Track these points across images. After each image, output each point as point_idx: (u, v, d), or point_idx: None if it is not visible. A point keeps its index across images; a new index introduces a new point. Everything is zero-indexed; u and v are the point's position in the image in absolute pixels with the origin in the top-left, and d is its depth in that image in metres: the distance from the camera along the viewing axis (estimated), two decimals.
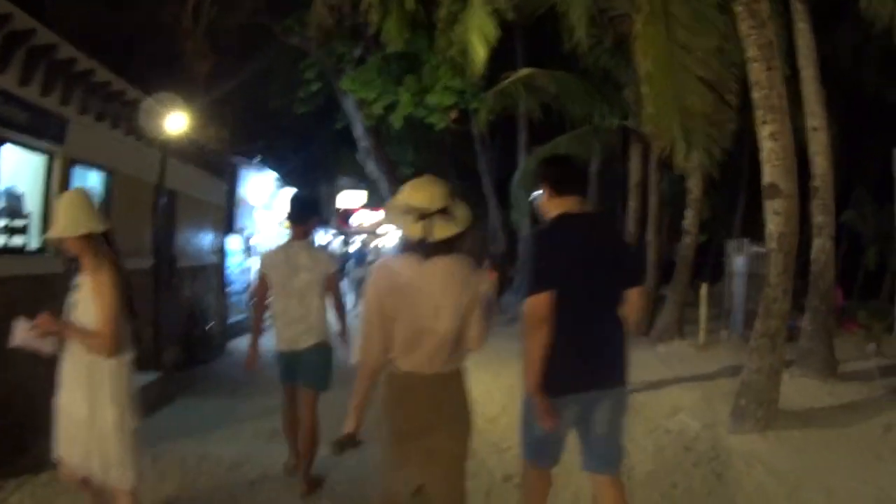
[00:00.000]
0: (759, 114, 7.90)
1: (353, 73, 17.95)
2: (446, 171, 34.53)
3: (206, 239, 14.02)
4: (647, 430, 8.12)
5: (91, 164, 9.16)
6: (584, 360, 4.02)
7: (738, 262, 15.86)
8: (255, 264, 18.79)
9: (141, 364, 9.31)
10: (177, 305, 12.23)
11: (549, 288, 3.88)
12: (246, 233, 18.87)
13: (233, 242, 16.50)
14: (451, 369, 3.81)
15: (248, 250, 18.73)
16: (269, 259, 6.24)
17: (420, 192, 3.73)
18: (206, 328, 13.08)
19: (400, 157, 27.99)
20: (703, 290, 15.14)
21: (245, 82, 22.61)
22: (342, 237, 38.88)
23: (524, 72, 15.91)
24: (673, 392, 10.24)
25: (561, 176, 4.25)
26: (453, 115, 19.00)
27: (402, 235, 3.84)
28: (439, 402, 3.79)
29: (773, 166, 7.84)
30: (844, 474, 6.51)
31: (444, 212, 3.69)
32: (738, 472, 6.72)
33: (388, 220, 3.87)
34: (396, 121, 18.63)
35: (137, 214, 10.39)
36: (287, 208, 6.06)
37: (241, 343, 15.02)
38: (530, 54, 19.65)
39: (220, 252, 14.87)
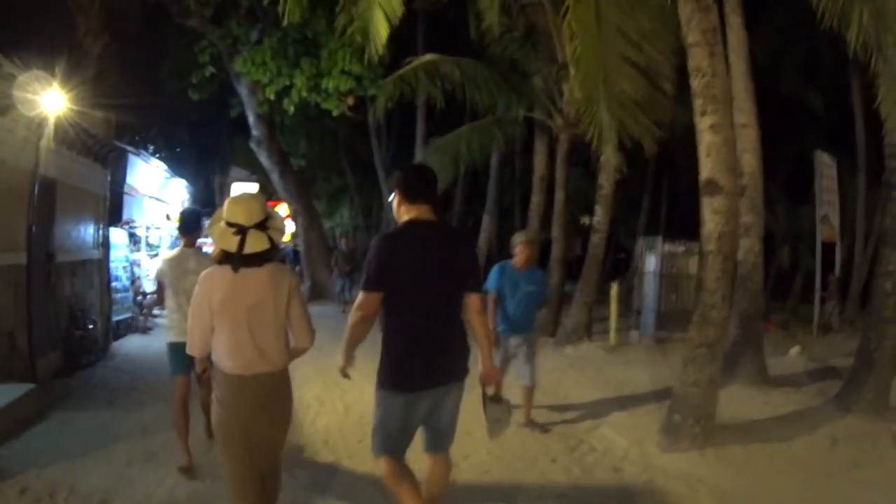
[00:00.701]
0: (698, 103, 7.39)
1: (246, 54, 16.93)
2: (340, 163, 34.22)
3: (89, 232, 12.91)
4: (568, 448, 7.68)
5: None
6: (430, 358, 4.48)
7: (649, 260, 15.49)
8: (143, 259, 17.82)
9: (13, 375, 8.45)
10: (55, 305, 11.17)
11: (378, 289, 4.41)
12: (133, 225, 17.75)
13: (117, 235, 15.35)
14: (275, 369, 4.24)
15: (136, 243, 17.63)
16: (164, 265, 6.94)
17: (238, 208, 4.18)
18: (89, 329, 11.97)
19: (293, 149, 27.13)
20: (614, 289, 14.79)
21: (138, 66, 21.54)
22: None
23: (427, 58, 15.34)
24: (589, 400, 9.86)
25: (412, 185, 4.63)
26: (350, 101, 18.27)
27: (223, 246, 4.19)
28: (263, 402, 4.21)
29: (712, 161, 7.33)
30: (797, 496, 6.13)
31: (260, 226, 4.16)
32: (680, 497, 6.23)
33: (211, 233, 4.27)
34: (289, 105, 17.75)
35: (9, 205, 9.33)
36: (179, 221, 6.97)
37: (127, 343, 14.04)
38: (432, 41, 18.97)
39: (104, 246, 13.74)
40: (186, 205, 27.05)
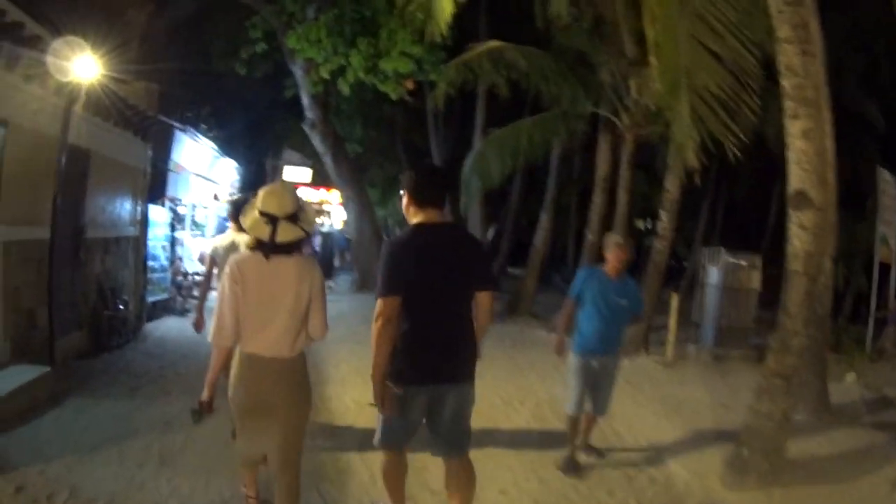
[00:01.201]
0: (789, 106, 6.56)
1: (300, 31, 16.14)
2: (396, 151, 33.48)
3: (125, 207, 12.41)
4: (626, 477, 6.95)
5: None
6: (430, 356, 4.55)
7: (712, 272, 14.58)
8: (186, 238, 17.35)
9: (31, 354, 7.87)
10: (83, 283, 10.67)
11: (395, 293, 4.42)
12: (176, 203, 17.27)
13: (157, 213, 14.83)
14: (291, 354, 4.40)
15: (179, 222, 17.15)
16: (219, 248, 7.12)
17: (271, 199, 4.36)
18: (119, 309, 11.45)
19: (348, 134, 26.31)
20: (675, 301, 13.89)
21: (188, 42, 21.08)
22: None
23: (491, 44, 14.51)
24: (648, 423, 9.06)
25: (422, 190, 4.68)
26: (409, 85, 17.32)
27: (253, 234, 4.35)
28: (281, 384, 4.37)
29: (803, 170, 6.51)
30: None
31: (291, 218, 4.34)
32: None
33: (244, 221, 4.44)
34: (345, 86, 16.92)
35: (34, 175, 8.80)
36: (231, 208, 6.90)
37: (162, 325, 13.52)
38: (494, 29, 18.14)
39: (142, 223, 13.24)
40: (236, 185, 26.73)
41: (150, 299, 13.97)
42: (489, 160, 16.59)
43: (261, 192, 4.48)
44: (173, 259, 16.00)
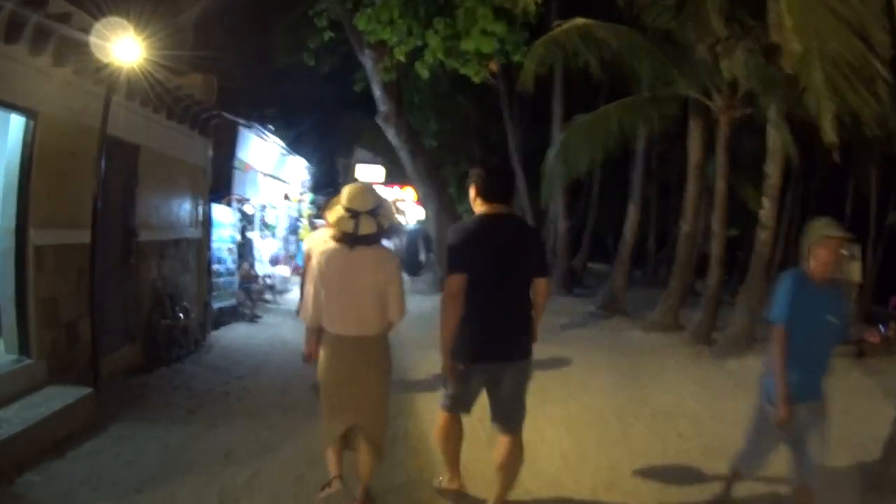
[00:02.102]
0: None
1: (370, 10, 14.92)
2: (469, 147, 32.43)
3: (184, 207, 11.46)
4: None
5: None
6: (490, 336, 4.96)
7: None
8: (255, 239, 16.48)
9: (74, 372, 6.90)
10: (135, 291, 9.74)
11: (461, 271, 4.89)
12: (243, 202, 16.40)
13: (222, 213, 13.89)
14: (373, 334, 5.05)
15: (248, 223, 16.28)
16: (314, 244, 7.18)
17: (354, 197, 5.00)
18: (179, 318, 10.50)
19: (422, 127, 25.18)
20: None
21: (251, 38, 20.28)
22: None
23: (579, 21, 13.20)
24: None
25: (490, 188, 5.10)
26: (493, 66, 15.92)
27: (338, 228, 4.98)
28: (361, 360, 5.03)
29: None
30: None
31: (371, 213, 4.97)
32: None
33: (330, 216, 5.14)
34: (423, 69, 15.62)
35: (70, 172, 7.84)
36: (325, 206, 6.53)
37: (229, 333, 12.59)
38: (569, 7, 16.74)
39: (204, 224, 12.30)
40: (307, 185, 25.91)
41: (216, 305, 13.05)
42: (574, 148, 15.45)
43: (344, 191, 5.09)
44: (241, 262, 15.06)
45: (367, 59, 18.18)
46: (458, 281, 4.89)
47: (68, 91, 7.63)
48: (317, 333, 5.33)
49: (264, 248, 19.17)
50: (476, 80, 15.59)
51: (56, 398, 6.85)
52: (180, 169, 11.27)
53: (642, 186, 19.52)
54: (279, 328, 13.58)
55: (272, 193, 21.31)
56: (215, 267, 13.19)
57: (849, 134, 11.47)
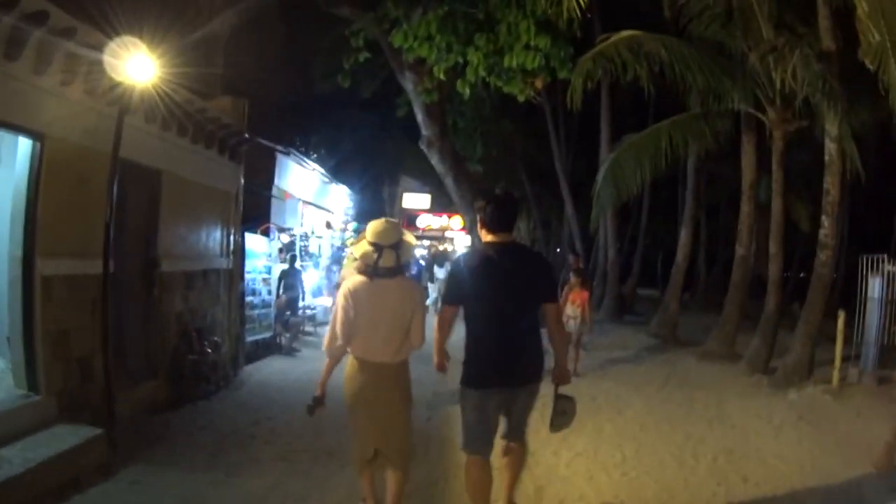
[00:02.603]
0: None
1: (407, 27, 14.24)
2: (517, 172, 31.92)
3: (213, 236, 10.96)
4: None
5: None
6: (502, 362, 5.15)
7: (873, 284, 12.25)
8: (298, 269, 16.02)
9: (88, 410, 6.37)
10: (159, 324, 9.22)
11: (454, 303, 5.33)
12: (284, 232, 15.95)
13: (256, 242, 13.40)
14: (396, 360, 5.33)
15: (288, 253, 15.80)
16: (348, 271, 7.15)
17: (377, 232, 5.29)
18: (207, 352, 9.97)
19: (467, 152, 24.53)
20: (841, 319, 11.70)
21: (288, 63, 19.94)
22: None
23: (626, 33, 12.54)
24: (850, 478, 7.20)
25: (494, 217, 5.31)
26: (538, 83, 15.11)
27: (362, 260, 5.29)
28: (383, 385, 5.28)
29: None
30: None
31: (393, 247, 5.26)
32: None
33: (356, 249, 5.44)
34: (465, 88, 14.90)
35: (87, 199, 7.34)
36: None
37: (264, 368, 12.04)
38: (610, 23, 16.06)
39: (236, 253, 11.78)
40: (351, 213, 25.48)
41: (250, 339, 12.52)
42: (624, 168, 14.78)
43: (370, 226, 5.38)
44: (279, 293, 14.51)
45: (407, 82, 17.65)
46: (449, 312, 5.38)
47: (79, 112, 7.18)
48: (332, 369, 5.52)
49: (305, 278, 18.72)
50: (520, 98, 14.84)
51: (64, 438, 6.33)
52: (208, 196, 10.79)
53: (694, 208, 18.74)
54: (317, 362, 12.89)
55: (314, 222, 20.90)
56: (249, 298, 12.68)
57: None
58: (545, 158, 28.88)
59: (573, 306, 12.31)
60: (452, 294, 5.40)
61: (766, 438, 8.66)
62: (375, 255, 5.21)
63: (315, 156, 22.71)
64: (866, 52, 9.74)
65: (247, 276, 12.59)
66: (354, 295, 5.24)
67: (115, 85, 7.15)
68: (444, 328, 5.41)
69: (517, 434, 5.53)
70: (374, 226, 5.37)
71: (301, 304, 16.59)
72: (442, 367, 5.56)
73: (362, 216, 30.03)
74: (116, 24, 7.40)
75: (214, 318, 10.81)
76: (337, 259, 21.36)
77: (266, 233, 14.28)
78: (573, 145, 28.15)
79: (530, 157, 31.62)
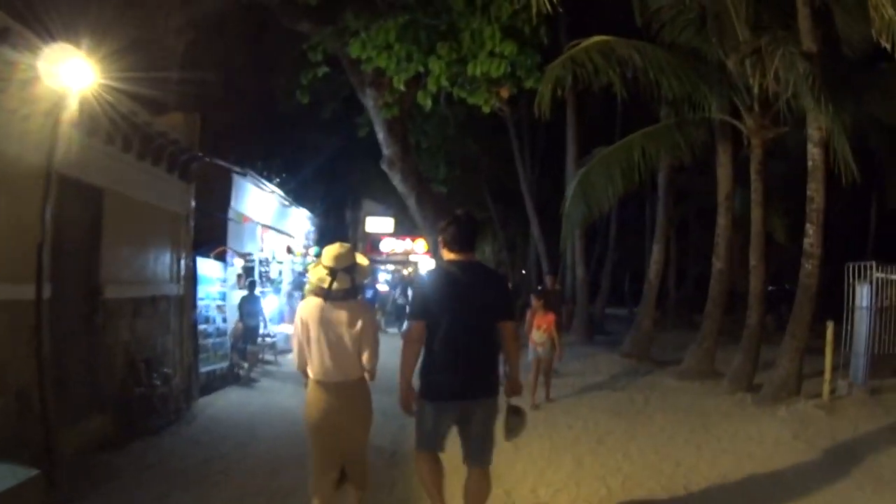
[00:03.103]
0: None
1: (366, 36, 13.58)
2: (481, 195, 31.46)
3: (161, 261, 10.27)
4: None
5: None
6: (457, 375, 5.28)
7: (861, 292, 11.86)
8: (258, 296, 15.40)
9: (27, 448, 5.93)
10: (105, 354, 8.52)
11: (420, 319, 5.37)
12: (240, 257, 15.28)
13: (209, 267, 12.71)
14: (352, 378, 5.40)
15: (248, 279, 15.13)
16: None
17: (331, 256, 5.41)
18: (155, 385, 9.26)
19: (431, 174, 23.99)
20: (830, 330, 11.29)
21: (247, 84, 19.32)
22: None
23: (598, 38, 12.01)
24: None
25: (455, 237, 5.46)
26: (504, 92, 14.47)
27: (318, 283, 5.41)
28: (343, 403, 5.35)
29: None
30: None
31: (347, 270, 5.40)
32: None
33: (312, 273, 5.61)
34: (426, 99, 14.27)
35: (20, 219, 6.65)
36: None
37: (220, 400, 11.35)
38: (577, 32, 15.57)
39: (187, 279, 11.08)
40: (311, 237, 24.84)
41: (204, 369, 11.80)
42: (595, 183, 14.14)
43: (325, 251, 5.52)
44: (236, 321, 13.81)
45: (367, 99, 17.08)
46: (416, 328, 5.37)
47: (11, 121, 6.48)
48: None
49: (265, 304, 18.02)
50: (485, 108, 14.27)
51: None
52: (157, 217, 10.12)
53: (665, 223, 18.28)
54: (277, 393, 12.30)
55: (274, 247, 20.22)
56: (202, 327, 11.96)
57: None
58: (510, 179, 28.67)
59: (539, 331, 11.56)
60: (418, 310, 5.45)
61: (762, 462, 8.12)
62: (330, 279, 5.35)
63: (277, 180, 22.09)
64: (881, 30, 9.29)
65: (200, 303, 11.88)
66: (310, 317, 5.37)
67: (50, 92, 6.51)
68: (410, 346, 5.39)
69: (478, 458, 5.46)
70: (328, 250, 5.52)
71: (262, 331, 15.93)
72: (407, 407, 5.49)
73: (325, 240, 29.35)
74: (53, 28, 6.86)
75: (165, 347, 10.10)
76: (298, 284, 20.67)
77: (221, 257, 13.56)
78: (538, 164, 27.99)
79: (495, 178, 31.43)
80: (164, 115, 10.58)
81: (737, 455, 8.41)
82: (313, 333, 5.32)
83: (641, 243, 31.93)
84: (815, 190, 11.44)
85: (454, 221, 5.54)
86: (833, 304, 12.76)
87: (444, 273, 5.50)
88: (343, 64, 16.85)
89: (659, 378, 14.33)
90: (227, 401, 11.52)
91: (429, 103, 14.16)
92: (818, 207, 11.44)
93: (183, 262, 10.81)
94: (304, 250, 23.05)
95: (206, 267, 12.38)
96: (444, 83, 13.38)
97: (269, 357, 15.87)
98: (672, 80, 12.16)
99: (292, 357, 5.61)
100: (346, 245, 5.68)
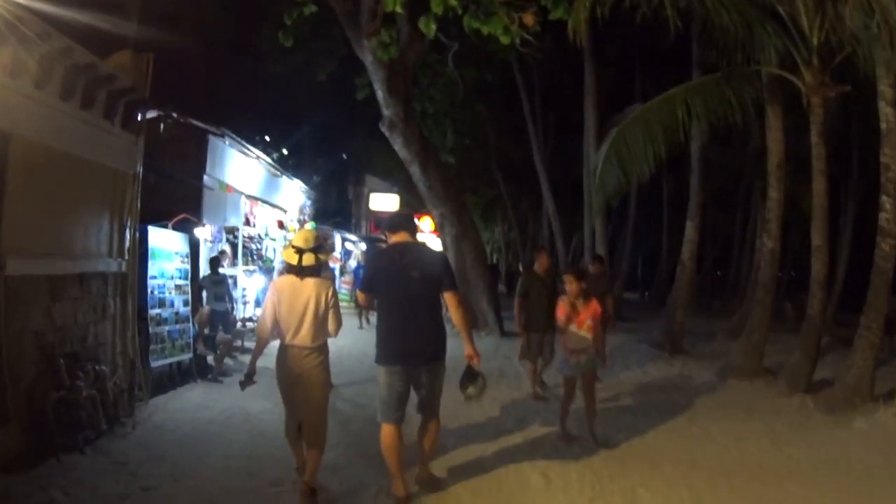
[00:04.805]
0: None
1: None
2: (490, 167, 29.90)
3: (96, 229, 8.28)
4: None
5: None
6: (404, 341, 6.01)
7: None
8: (239, 276, 13.65)
9: None
10: (8, 348, 6.52)
11: (367, 291, 6.40)
12: (229, 233, 13.49)
13: (166, 239, 10.56)
14: (316, 344, 6.12)
15: (224, 255, 13.23)
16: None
17: (300, 237, 6.29)
18: (78, 386, 7.26)
19: (437, 143, 21.90)
20: None
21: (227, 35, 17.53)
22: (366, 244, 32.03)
23: None
24: None
25: (393, 224, 6.45)
26: (529, 19, 11.84)
27: (287, 262, 6.26)
28: (304, 365, 6.06)
29: None
30: None
31: (314, 250, 6.17)
32: None
33: (283, 253, 6.52)
34: (429, 26, 11.94)
35: None
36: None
37: (177, 401, 9.46)
38: None
39: (133, 253, 9.04)
40: (307, 212, 22.98)
41: (158, 363, 9.77)
42: (632, 145, 12.12)
43: (295, 234, 7.13)
44: (199, 304, 11.72)
45: (366, 53, 15.11)
46: (365, 298, 6.59)
47: None
48: (262, 349, 6.39)
49: (250, 285, 16.05)
50: (505, 40, 11.57)
51: None
52: (90, 175, 8.08)
53: (700, 196, 16.21)
54: (249, 392, 10.20)
55: (266, 221, 18.32)
56: (156, 311, 9.88)
57: None
58: (521, 155, 27.75)
59: (580, 330, 7.78)
60: (367, 281, 6.43)
61: (861, 499, 6.31)
62: (297, 257, 6.11)
63: (276, 155, 20.23)
64: None
65: (152, 283, 9.80)
66: (281, 289, 6.15)
67: None
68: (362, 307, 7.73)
69: (429, 410, 6.24)
70: (298, 234, 6.49)
71: (239, 316, 13.98)
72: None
73: (326, 215, 27.67)
74: None
75: (98, 338, 8.09)
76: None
77: (182, 226, 11.42)
78: (551, 139, 26.35)
79: (505, 156, 30.15)
80: (111, 56, 8.65)
81: (831, 489, 6.48)
82: (285, 304, 6.06)
83: (655, 226, 30.33)
84: (890, 156, 9.66)
85: (392, 216, 6.88)
86: None
87: (387, 252, 6.41)
88: (337, 13, 14.87)
89: (700, 375, 12.42)
90: (184, 402, 9.46)
91: (433, 29, 11.72)
92: (895, 176, 9.59)
93: (128, 232, 8.80)
94: (297, 225, 21.07)
95: (161, 239, 10.26)
96: (454, 2, 11.08)
97: (249, 344, 13.84)
98: (733, 14, 10.12)
99: (259, 320, 6.42)
100: (313, 230, 7.06)
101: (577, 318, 7.72)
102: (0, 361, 6.47)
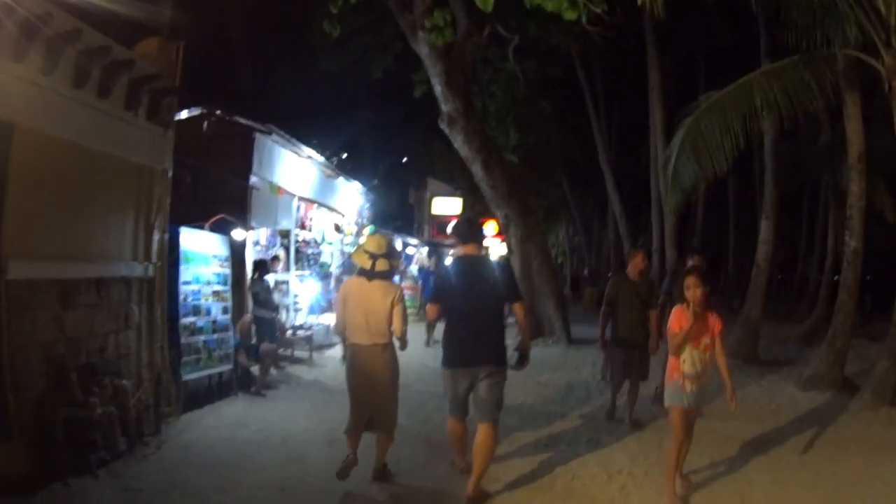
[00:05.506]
0: None
1: None
2: (554, 168, 29.25)
3: (119, 230, 7.65)
4: None
5: None
6: (468, 347, 6.33)
7: None
8: (293, 281, 13.87)
9: None
10: (12, 360, 5.89)
11: (436, 301, 6.74)
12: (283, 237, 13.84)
13: (201, 241, 9.82)
14: (382, 342, 6.50)
15: (276, 262, 12.71)
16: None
17: (373, 242, 6.76)
18: (92, 402, 6.59)
19: (500, 140, 21.18)
20: None
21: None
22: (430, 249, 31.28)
23: None
24: None
25: (465, 233, 6.73)
26: None
27: (359, 265, 6.63)
28: (374, 362, 6.48)
29: None
30: None
31: (385, 255, 6.57)
32: None
33: (355, 256, 6.86)
34: (484, 2, 10.49)
35: None
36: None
37: (210, 417, 8.77)
38: None
39: (161, 256, 8.39)
40: (365, 215, 22.29)
41: (193, 375, 9.05)
42: (707, 136, 11.17)
43: (367, 240, 7.18)
44: (250, 314, 11.08)
45: (421, 45, 14.39)
46: (434, 309, 6.84)
47: None
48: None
49: (303, 291, 15.38)
50: (569, 16, 10.08)
51: None
52: (111, 171, 7.43)
53: (775, 193, 15.12)
54: (290, 407, 9.41)
55: (322, 225, 17.69)
56: (190, 320, 9.17)
57: None
58: (586, 158, 27.83)
59: (696, 351, 6.13)
60: (436, 293, 6.81)
61: None
62: (371, 262, 6.51)
63: (336, 159, 19.65)
64: None
65: (185, 289, 9.10)
66: (351, 290, 6.62)
67: None
68: (431, 318, 7.85)
69: (485, 415, 6.30)
70: (371, 239, 6.97)
71: (289, 324, 13.33)
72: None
73: (386, 219, 27.16)
74: None
75: (120, 349, 7.43)
76: (350, 268, 17.98)
77: (222, 228, 10.71)
78: (615, 140, 25.60)
79: (570, 155, 29.43)
80: (139, 44, 8.05)
81: None
82: (353, 304, 6.47)
83: (720, 225, 29.48)
84: None
85: (463, 222, 7.25)
86: None
87: (457, 265, 6.69)
88: (388, 4, 14.19)
89: (779, 386, 11.47)
90: (220, 418, 8.70)
91: (490, 2, 10.59)
92: None
93: (156, 233, 8.14)
94: (355, 228, 20.38)
95: (196, 241, 9.55)
96: None
97: (301, 354, 13.15)
98: None
99: (332, 326, 7.79)
100: (385, 236, 7.59)
101: (701, 333, 6.11)
102: (3, 374, 5.85)
